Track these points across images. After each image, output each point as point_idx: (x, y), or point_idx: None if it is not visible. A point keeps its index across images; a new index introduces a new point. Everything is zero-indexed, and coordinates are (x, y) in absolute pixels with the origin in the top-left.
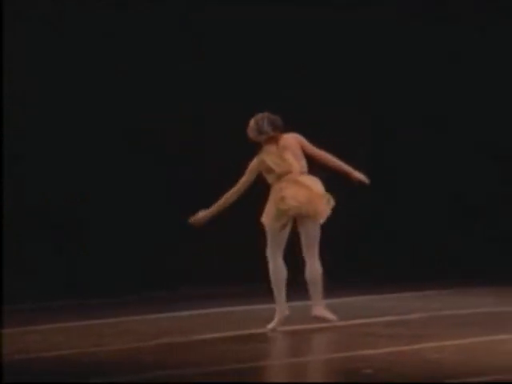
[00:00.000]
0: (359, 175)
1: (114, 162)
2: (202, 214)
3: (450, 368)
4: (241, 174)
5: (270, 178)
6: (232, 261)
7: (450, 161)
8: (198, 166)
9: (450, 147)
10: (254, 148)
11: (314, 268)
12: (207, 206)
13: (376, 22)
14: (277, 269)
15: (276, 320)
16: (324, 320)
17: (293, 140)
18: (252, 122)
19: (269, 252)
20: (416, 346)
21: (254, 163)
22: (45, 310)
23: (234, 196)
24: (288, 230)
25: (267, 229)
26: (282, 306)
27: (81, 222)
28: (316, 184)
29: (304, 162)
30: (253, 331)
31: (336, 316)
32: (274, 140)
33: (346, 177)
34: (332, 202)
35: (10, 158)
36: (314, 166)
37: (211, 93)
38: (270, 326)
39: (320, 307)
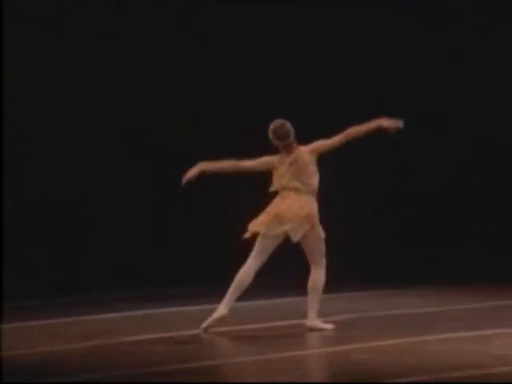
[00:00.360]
0: (389, 122)
1: (113, 161)
2: (196, 170)
3: (378, 369)
4: (240, 173)
5: (273, 182)
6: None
7: (450, 161)
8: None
9: (450, 147)
10: (255, 148)
11: (313, 277)
12: (207, 207)
13: (376, 22)
14: (246, 271)
15: (210, 319)
16: (318, 330)
17: (306, 155)
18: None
19: (252, 254)
20: (344, 347)
21: (267, 158)
22: None
23: (233, 167)
24: (271, 249)
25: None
26: (225, 306)
27: (81, 221)
28: (303, 207)
29: (313, 180)
30: (185, 333)
31: (331, 324)
32: (289, 150)
33: (380, 132)
34: (316, 225)
35: (10, 158)
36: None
37: (211, 93)
38: (204, 324)
39: (312, 318)
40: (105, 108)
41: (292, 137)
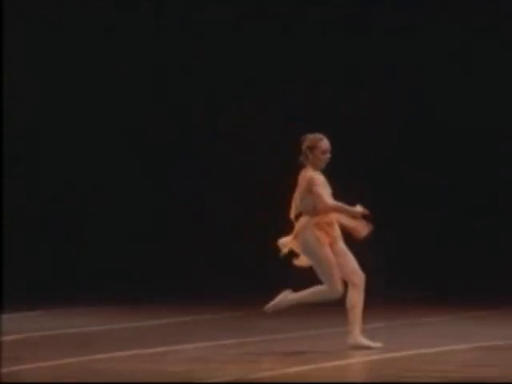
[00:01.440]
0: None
1: (114, 161)
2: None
3: None
4: (241, 173)
5: None
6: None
7: (450, 161)
8: (199, 166)
9: (450, 147)
10: (255, 149)
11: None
12: (207, 205)
13: (376, 21)
14: None
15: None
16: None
17: (303, 185)
18: None
19: None
20: (12, 369)
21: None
22: None
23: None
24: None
25: None
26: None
27: (81, 221)
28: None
29: (305, 205)
30: None
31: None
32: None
33: None
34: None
35: (10, 158)
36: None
37: (211, 93)
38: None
39: (351, 335)
40: (105, 108)
41: (303, 155)
